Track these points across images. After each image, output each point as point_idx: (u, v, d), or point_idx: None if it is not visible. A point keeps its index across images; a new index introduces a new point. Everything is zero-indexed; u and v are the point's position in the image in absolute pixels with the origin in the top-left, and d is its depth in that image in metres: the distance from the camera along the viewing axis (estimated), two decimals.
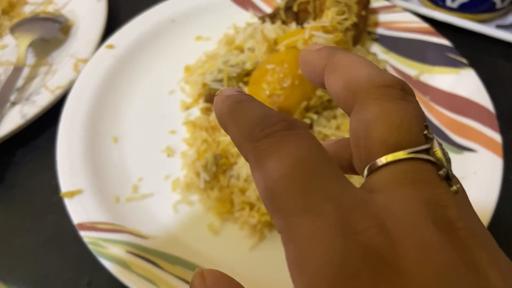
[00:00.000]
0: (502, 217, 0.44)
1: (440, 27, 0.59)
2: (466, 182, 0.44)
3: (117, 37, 0.58)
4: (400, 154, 0.16)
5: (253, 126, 0.16)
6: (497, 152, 0.45)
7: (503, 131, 0.47)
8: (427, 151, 0.16)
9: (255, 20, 0.60)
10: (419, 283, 0.13)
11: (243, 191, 0.44)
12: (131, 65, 0.57)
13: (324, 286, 0.13)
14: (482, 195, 0.42)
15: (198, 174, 0.45)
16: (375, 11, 0.59)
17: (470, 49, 0.58)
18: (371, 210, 0.14)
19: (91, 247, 0.40)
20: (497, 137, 0.46)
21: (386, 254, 0.13)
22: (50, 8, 0.66)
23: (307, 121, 0.44)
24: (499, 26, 0.63)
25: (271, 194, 0.15)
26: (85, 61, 0.55)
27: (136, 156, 0.49)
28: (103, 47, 0.56)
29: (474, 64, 0.53)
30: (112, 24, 0.62)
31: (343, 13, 0.51)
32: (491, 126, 0.47)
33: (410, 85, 0.55)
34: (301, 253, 0.14)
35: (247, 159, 0.17)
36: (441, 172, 0.16)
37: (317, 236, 0.14)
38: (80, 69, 0.55)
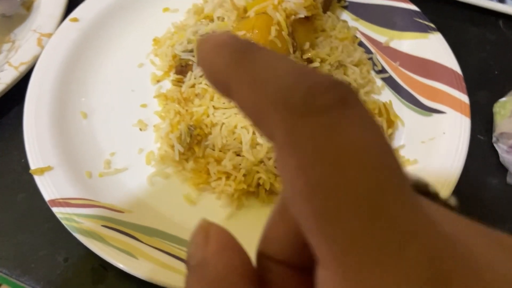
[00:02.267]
0: (470, 173, 0.45)
1: None
2: (436, 142, 0.45)
3: (81, 10, 0.56)
4: None
5: (288, 90, 0.11)
6: (465, 113, 0.46)
7: (470, 93, 0.48)
8: None
9: None
10: None
11: (218, 161, 0.44)
12: (98, 38, 0.55)
13: None
14: (451, 153, 0.43)
15: (172, 147, 0.45)
16: None
17: (437, 15, 0.59)
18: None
19: (65, 223, 0.40)
20: (465, 98, 0.47)
21: None
22: None
23: None
24: None
25: (322, 207, 0.10)
26: (49, 35, 0.53)
27: (107, 131, 0.48)
28: (67, 20, 0.54)
29: (441, 28, 0.53)
30: None
31: None
32: (459, 88, 0.48)
33: (380, 52, 0.55)
34: None
35: (270, 136, 0.12)
36: None
37: None
38: (44, 44, 0.53)
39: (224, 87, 0.13)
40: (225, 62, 0.13)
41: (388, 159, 0.11)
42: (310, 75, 0.11)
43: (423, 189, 0.14)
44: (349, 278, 0.10)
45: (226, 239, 0.14)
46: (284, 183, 0.11)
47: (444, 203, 0.14)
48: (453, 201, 0.14)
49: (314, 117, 0.11)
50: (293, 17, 0.43)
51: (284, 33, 0.42)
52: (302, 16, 0.43)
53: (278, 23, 0.42)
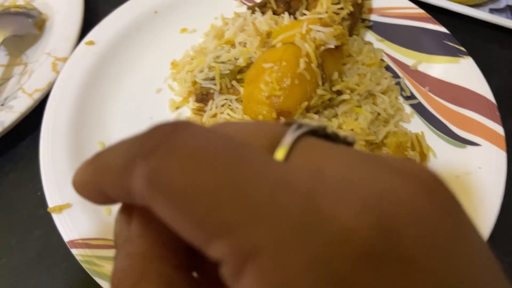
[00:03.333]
0: (509, 210, 0.43)
1: (433, 11, 0.57)
2: (472, 177, 0.43)
3: (96, 32, 0.54)
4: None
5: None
6: (501, 146, 0.44)
7: (503, 121, 0.46)
8: None
9: (243, 9, 0.56)
10: None
11: None
12: (114, 62, 0.53)
13: None
14: (489, 190, 0.41)
15: None
16: None
17: (464, 34, 0.56)
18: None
19: (85, 266, 0.38)
20: (499, 129, 0.45)
21: None
22: (21, 1, 0.61)
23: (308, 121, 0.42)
24: (493, 10, 0.62)
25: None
26: (63, 60, 0.52)
27: None
28: (82, 44, 0.52)
29: (468, 49, 0.51)
30: (90, 17, 0.58)
31: (338, 2, 0.48)
32: (493, 118, 0.46)
33: (408, 75, 0.53)
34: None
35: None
36: None
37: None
38: (59, 69, 0.51)
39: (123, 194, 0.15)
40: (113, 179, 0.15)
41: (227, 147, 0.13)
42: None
43: (323, 133, 0.16)
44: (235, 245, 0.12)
45: (148, 220, 0.15)
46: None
47: (344, 141, 0.16)
48: (351, 139, 0.16)
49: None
50: (322, 47, 0.41)
51: (314, 65, 0.40)
52: (332, 46, 0.41)
53: (307, 55, 0.40)
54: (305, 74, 0.40)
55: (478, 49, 0.56)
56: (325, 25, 0.42)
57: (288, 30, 0.43)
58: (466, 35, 0.57)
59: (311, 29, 0.41)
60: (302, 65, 0.39)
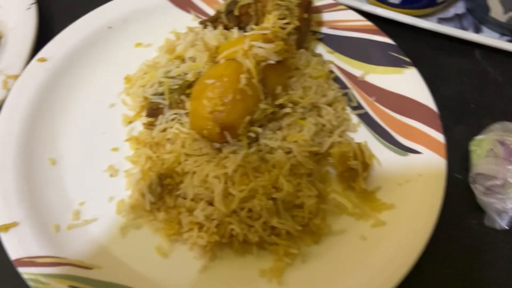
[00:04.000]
0: (449, 214, 0.44)
1: (384, 23, 0.58)
2: (412, 184, 0.44)
3: (49, 49, 0.54)
4: None
5: None
6: (441, 154, 0.45)
7: (446, 128, 0.48)
8: None
9: (196, 23, 0.57)
10: None
11: (190, 210, 0.42)
12: (67, 78, 0.53)
13: None
14: (428, 197, 0.43)
15: (143, 195, 0.44)
16: (318, 9, 0.58)
17: (413, 44, 0.58)
18: None
19: (31, 284, 0.38)
20: (440, 137, 0.46)
21: None
22: None
23: (252, 134, 0.43)
24: (441, 19, 0.64)
25: None
26: (15, 77, 0.52)
27: (76, 178, 0.47)
28: (34, 61, 0.53)
29: (417, 58, 0.53)
30: (45, 33, 0.59)
31: (284, 17, 0.49)
32: (434, 127, 0.47)
33: (356, 86, 0.55)
34: None
35: None
36: None
37: None
38: (10, 86, 0.51)
39: None
40: None
41: None
42: None
43: None
44: None
45: None
46: None
47: None
48: None
49: None
50: (263, 63, 0.42)
51: (255, 80, 0.41)
52: (273, 61, 0.42)
53: (248, 71, 0.41)
54: (246, 89, 0.41)
55: (426, 58, 0.58)
56: (267, 41, 0.43)
57: (232, 46, 0.44)
58: (415, 44, 0.59)
59: (253, 46, 0.42)
60: (243, 80, 0.40)
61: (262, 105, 0.42)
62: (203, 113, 0.41)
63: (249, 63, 0.41)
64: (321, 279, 0.40)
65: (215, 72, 0.42)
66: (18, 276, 0.39)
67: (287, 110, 0.44)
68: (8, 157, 0.46)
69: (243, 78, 0.40)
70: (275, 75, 0.44)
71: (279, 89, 0.44)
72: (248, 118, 0.41)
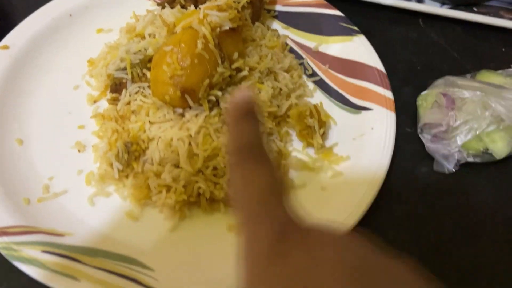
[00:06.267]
0: (401, 164, 0.48)
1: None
2: (366, 138, 0.47)
3: (12, 37, 0.55)
4: None
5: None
6: (390, 108, 0.49)
7: (396, 89, 0.51)
8: None
9: (155, 7, 0.59)
10: None
11: (158, 174, 0.44)
12: (30, 64, 0.54)
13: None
14: (380, 147, 0.46)
15: (111, 165, 0.45)
16: None
17: (362, 18, 0.62)
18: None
19: (3, 252, 0.39)
20: (389, 94, 0.50)
21: None
22: None
23: (212, 98, 0.45)
24: None
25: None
26: None
27: (44, 156, 0.48)
28: None
29: (366, 30, 0.56)
30: (6, 23, 0.59)
31: None
32: (383, 85, 0.51)
33: (311, 56, 0.58)
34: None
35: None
36: None
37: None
38: None
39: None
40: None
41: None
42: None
43: None
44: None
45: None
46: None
47: None
48: None
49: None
50: (218, 29, 0.44)
51: (211, 45, 0.43)
52: (227, 28, 0.45)
53: (204, 36, 0.43)
54: (204, 54, 0.43)
55: (374, 28, 0.61)
56: (221, 10, 0.46)
57: (188, 17, 0.46)
58: (363, 16, 0.62)
59: (208, 14, 0.45)
60: (199, 45, 0.43)
61: (220, 69, 0.44)
62: (164, 79, 0.43)
63: (204, 30, 0.43)
64: None
65: (173, 40, 0.44)
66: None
67: (244, 73, 0.46)
68: None
69: (199, 43, 0.43)
70: (231, 42, 0.46)
71: (235, 55, 0.46)
72: (207, 81, 0.43)
